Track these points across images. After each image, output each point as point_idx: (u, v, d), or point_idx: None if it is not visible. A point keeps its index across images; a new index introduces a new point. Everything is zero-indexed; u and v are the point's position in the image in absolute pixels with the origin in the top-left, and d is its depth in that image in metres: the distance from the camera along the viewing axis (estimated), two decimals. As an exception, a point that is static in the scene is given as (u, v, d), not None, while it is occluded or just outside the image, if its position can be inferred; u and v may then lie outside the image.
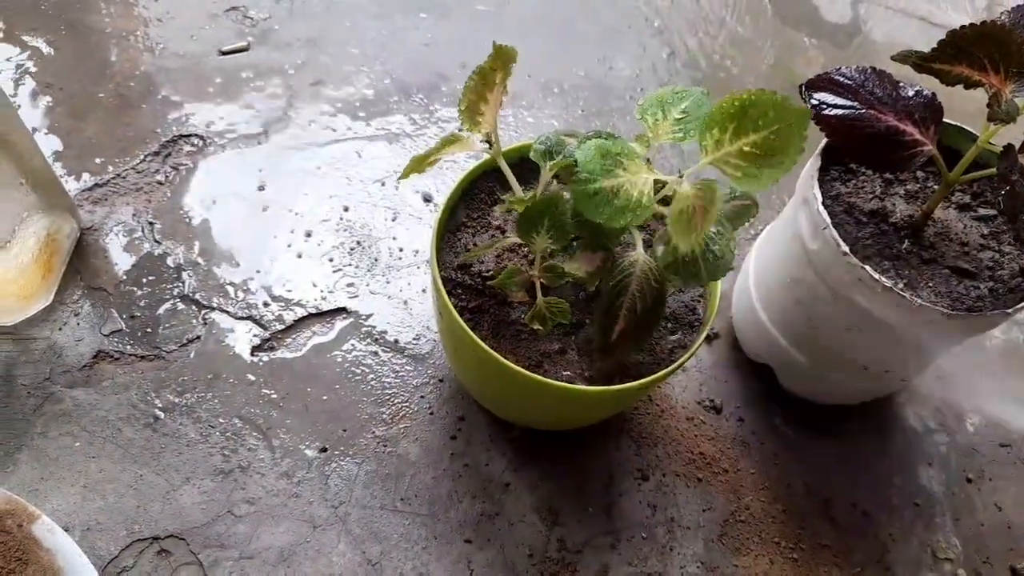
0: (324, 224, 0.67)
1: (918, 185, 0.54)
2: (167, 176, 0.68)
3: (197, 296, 0.62)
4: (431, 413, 0.59)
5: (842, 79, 0.48)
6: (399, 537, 0.54)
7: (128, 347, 0.59)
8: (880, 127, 0.47)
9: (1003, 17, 0.46)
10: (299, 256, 0.65)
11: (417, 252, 0.66)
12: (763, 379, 0.63)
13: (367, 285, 0.64)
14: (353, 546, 0.53)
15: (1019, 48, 0.44)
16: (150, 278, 0.62)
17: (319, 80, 0.76)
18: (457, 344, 0.49)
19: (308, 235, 0.66)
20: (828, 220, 0.49)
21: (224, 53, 0.76)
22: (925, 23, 0.93)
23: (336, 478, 0.55)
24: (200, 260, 0.63)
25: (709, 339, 0.65)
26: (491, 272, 0.50)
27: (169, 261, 0.63)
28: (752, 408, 0.62)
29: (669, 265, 0.42)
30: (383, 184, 0.70)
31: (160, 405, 0.57)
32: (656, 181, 0.41)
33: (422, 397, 0.59)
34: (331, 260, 0.65)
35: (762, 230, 0.66)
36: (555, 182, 0.46)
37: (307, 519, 0.54)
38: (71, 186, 0.65)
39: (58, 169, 0.66)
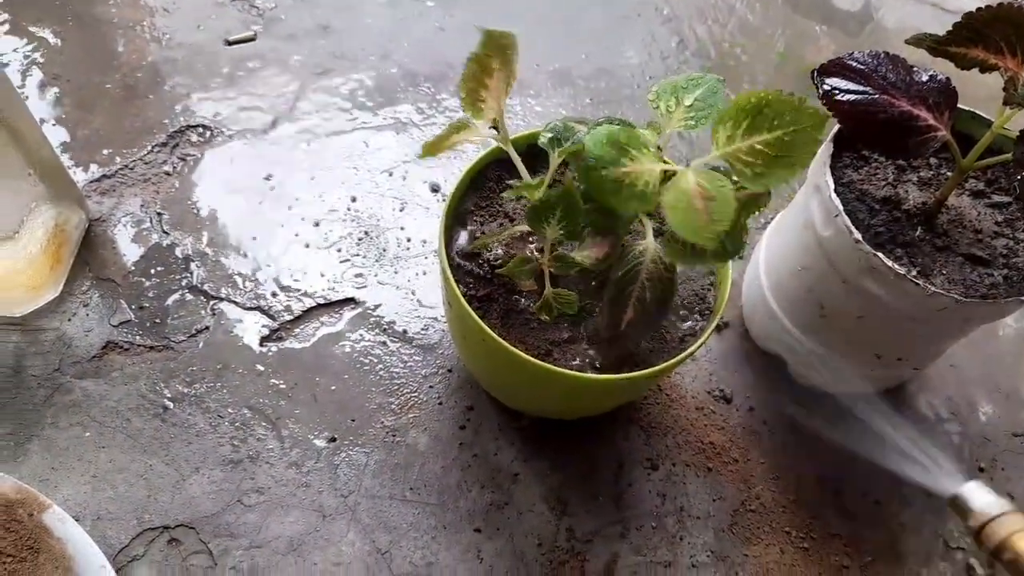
0: (332, 214, 0.67)
1: (931, 172, 0.54)
2: (175, 167, 0.67)
3: (205, 287, 0.62)
4: (440, 403, 0.59)
5: (855, 64, 0.47)
6: (408, 526, 0.54)
7: (137, 338, 0.59)
8: (894, 112, 0.46)
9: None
10: (307, 246, 0.65)
11: (425, 242, 0.66)
12: (773, 368, 0.62)
13: (375, 275, 0.64)
14: (362, 535, 0.53)
15: (1036, 31, 0.43)
16: (158, 269, 0.62)
17: (326, 70, 0.75)
18: (466, 333, 0.49)
19: (316, 225, 0.66)
20: (840, 207, 0.48)
21: (231, 43, 0.76)
22: (938, 9, 0.92)
23: (345, 468, 0.55)
24: (208, 250, 0.63)
25: (719, 329, 0.65)
26: (500, 260, 0.49)
27: (177, 252, 0.63)
28: (762, 397, 0.62)
29: (674, 252, 0.42)
30: (391, 174, 0.70)
31: (169, 395, 0.57)
32: (665, 171, 0.41)
33: (431, 387, 0.59)
34: (339, 250, 0.65)
35: (772, 219, 0.65)
36: (565, 170, 0.46)
37: (316, 508, 0.54)
38: (79, 177, 0.65)
39: (66, 160, 0.66)
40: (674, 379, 0.62)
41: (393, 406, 0.58)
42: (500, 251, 0.50)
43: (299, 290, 0.62)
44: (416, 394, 0.59)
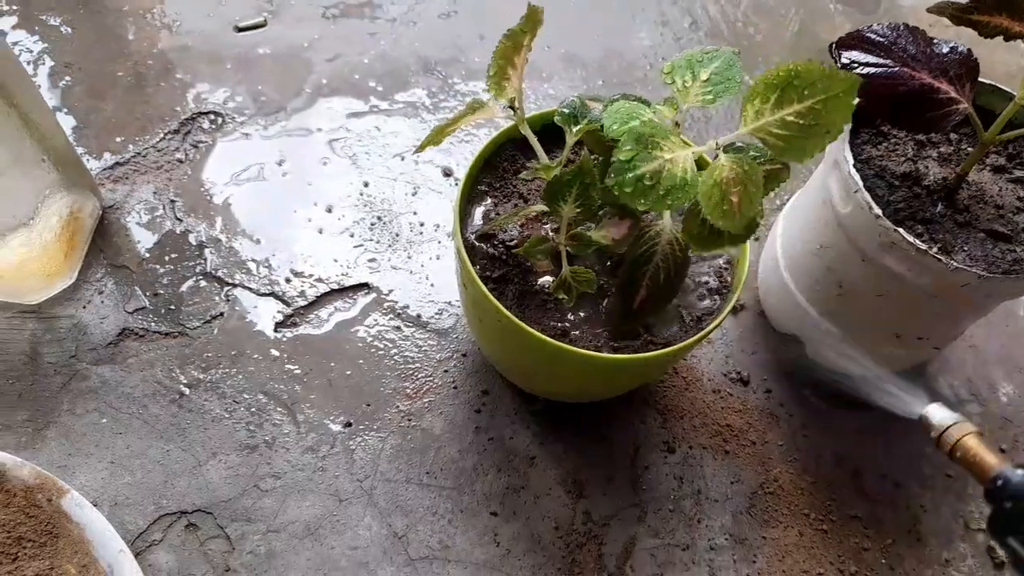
0: (345, 199, 0.66)
1: (951, 147, 0.53)
2: (187, 154, 0.67)
3: (219, 273, 0.62)
4: (455, 387, 0.58)
5: (874, 36, 0.46)
6: (424, 510, 0.54)
7: (152, 324, 0.59)
8: (914, 85, 0.45)
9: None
10: (320, 232, 0.64)
11: (438, 226, 0.66)
12: (791, 350, 0.62)
13: (388, 260, 0.64)
14: (379, 519, 0.53)
15: (1062, -2, 0.42)
16: (172, 255, 0.62)
17: (337, 54, 0.75)
18: (482, 315, 0.48)
19: (329, 210, 0.66)
20: (860, 183, 0.48)
21: (241, 29, 0.76)
22: (954, -14, 0.90)
23: (361, 452, 0.55)
24: (222, 237, 0.63)
25: (735, 311, 0.64)
26: (514, 241, 0.49)
27: (191, 238, 0.63)
28: (780, 379, 0.61)
29: (692, 236, 0.41)
30: (403, 159, 0.69)
31: (185, 381, 0.57)
32: (696, 156, 0.40)
33: (445, 371, 0.59)
34: (352, 235, 0.64)
35: (788, 200, 0.65)
36: (581, 148, 0.45)
37: (333, 493, 0.54)
38: (92, 165, 0.65)
39: (78, 148, 0.66)
40: (690, 362, 0.61)
41: (408, 391, 0.58)
42: (515, 232, 0.49)
43: (313, 275, 0.62)
44: (431, 378, 0.59)
